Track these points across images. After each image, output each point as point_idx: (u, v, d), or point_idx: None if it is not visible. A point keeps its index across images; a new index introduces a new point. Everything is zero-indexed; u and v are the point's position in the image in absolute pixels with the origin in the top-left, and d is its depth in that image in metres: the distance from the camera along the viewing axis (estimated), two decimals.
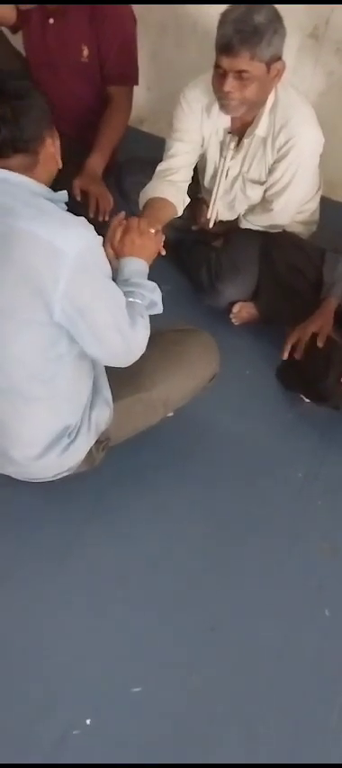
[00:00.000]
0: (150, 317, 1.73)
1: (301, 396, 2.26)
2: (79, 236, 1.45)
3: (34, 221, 1.43)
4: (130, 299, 1.65)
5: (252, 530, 1.93)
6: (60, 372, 1.60)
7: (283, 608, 1.77)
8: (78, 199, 2.41)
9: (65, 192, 1.60)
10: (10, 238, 1.43)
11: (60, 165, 1.64)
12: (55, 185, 1.61)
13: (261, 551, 1.88)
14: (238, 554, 1.87)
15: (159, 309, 1.74)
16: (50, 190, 1.56)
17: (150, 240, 1.79)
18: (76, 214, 1.52)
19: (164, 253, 1.87)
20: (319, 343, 2.12)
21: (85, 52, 2.55)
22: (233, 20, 1.98)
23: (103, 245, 1.73)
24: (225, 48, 2.00)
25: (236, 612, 1.75)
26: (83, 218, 1.50)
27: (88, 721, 1.52)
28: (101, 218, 2.37)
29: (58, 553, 1.80)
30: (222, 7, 2.03)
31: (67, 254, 1.42)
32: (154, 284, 1.73)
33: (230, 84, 2.05)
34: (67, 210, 1.54)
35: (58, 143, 1.61)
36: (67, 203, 1.60)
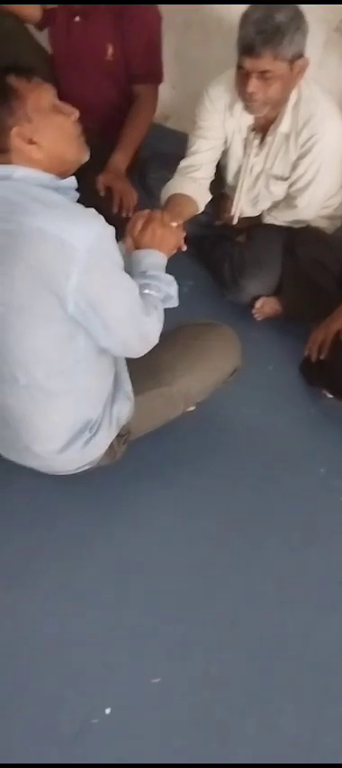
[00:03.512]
0: (172, 311, 1.75)
1: (324, 391, 2.25)
2: (89, 229, 1.44)
3: (42, 217, 1.42)
4: (146, 291, 1.64)
5: (274, 524, 1.93)
6: (79, 368, 1.61)
7: (305, 603, 1.78)
8: (102, 194, 2.43)
9: (73, 178, 1.57)
10: (20, 236, 1.43)
11: (75, 143, 1.58)
12: (79, 182, 1.59)
13: (283, 546, 1.88)
14: (259, 548, 1.87)
15: (175, 303, 1.74)
16: (56, 178, 1.52)
17: (171, 233, 1.78)
18: (100, 210, 1.51)
19: (185, 248, 1.86)
20: None
21: (110, 51, 2.57)
22: (255, 20, 1.99)
23: (124, 239, 1.75)
24: (247, 49, 2.01)
25: (256, 606, 1.76)
26: (92, 210, 1.48)
27: (108, 711, 1.55)
28: (124, 215, 2.39)
29: (80, 545, 1.83)
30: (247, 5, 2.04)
31: (77, 249, 1.41)
32: (171, 277, 1.72)
33: (254, 84, 2.06)
34: (92, 207, 1.51)
35: (48, 122, 1.51)
36: (78, 189, 1.58)
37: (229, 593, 1.78)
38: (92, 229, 1.45)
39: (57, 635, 1.66)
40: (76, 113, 1.58)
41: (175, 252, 1.82)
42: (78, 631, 1.67)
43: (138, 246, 1.74)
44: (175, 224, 1.81)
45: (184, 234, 1.86)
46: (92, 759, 1.48)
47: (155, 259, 1.72)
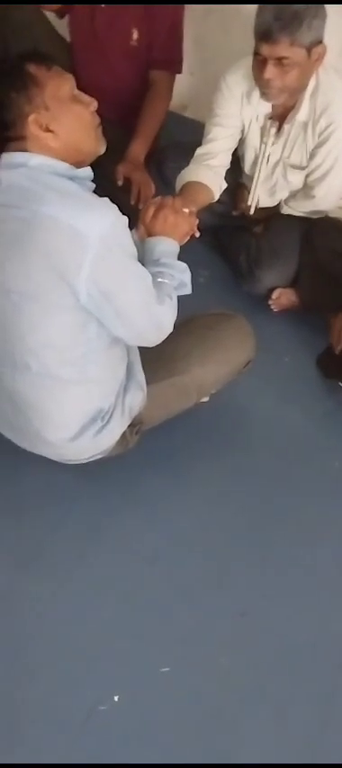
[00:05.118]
0: (188, 301, 1.74)
1: (341, 384, 2.22)
2: (102, 218, 1.44)
3: (56, 205, 1.43)
4: (159, 280, 1.64)
5: (286, 517, 1.92)
6: (92, 357, 1.61)
7: (317, 597, 1.76)
8: (120, 184, 2.42)
9: (88, 168, 1.58)
10: (33, 224, 1.44)
11: (93, 134, 1.58)
12: (96, 168, 1.60)
13: (295, 539, 1.87)
14: (271, 541, 1.86)
15: (188, 290, 1.73)
16: (72, 167, 1.53)
17: (183, 219, 1.76)
18: (117, 201, 1.51)
19: (198, 235, 1.85)
20: None
21: (135, 35, 2.54)
22: (272, 6, 1.96)
23: (136, 227, 1.75)
24: (264, 35, 1.99)
25: (267, 600, 1.75)
26: (106, 199, 1.49)
27: (116, 698, 1.55)
28: (141, 206, 2.38)
29: (93, 533, 1.84)
30: None
31: (89, 238, 1.42)
32: (184, 265, 1.72)
33: (271, 71, 2.03)
34: (108, 197, 1.51)
35: (65, 109, 1.52)
36: (95, 180, 1.58)
37: (241, 584, 1.77)
38: (105, 218, 1.45)
39: (67, 621, 1.67)
40: (95, 104, 1.59)
41: (188, 239, 1.81)
42: (89, 618, 1.68)
43: (150, 234, 1.73)
44: (187, 210, 1.79)
45: (197, 221, 1.84)
46: (99, 746, 1.48)
47: (167, 246, 1.71)
